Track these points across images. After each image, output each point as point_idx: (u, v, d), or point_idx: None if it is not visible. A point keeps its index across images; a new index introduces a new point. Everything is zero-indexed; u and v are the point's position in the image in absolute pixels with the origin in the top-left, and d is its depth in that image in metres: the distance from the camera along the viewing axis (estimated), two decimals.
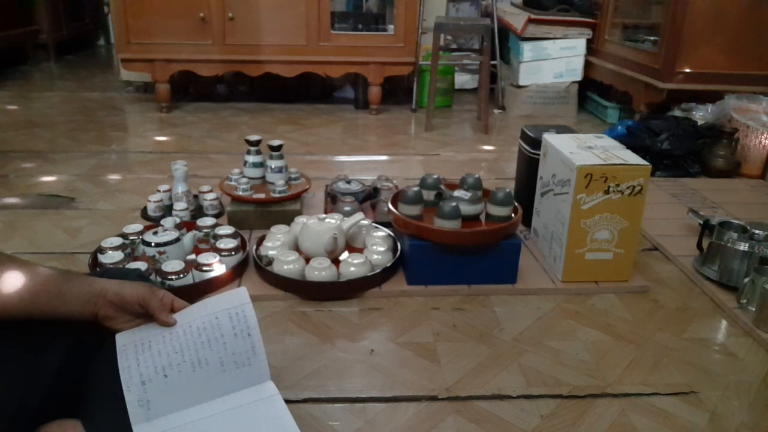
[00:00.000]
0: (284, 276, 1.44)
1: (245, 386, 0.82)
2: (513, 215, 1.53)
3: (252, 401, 0.81)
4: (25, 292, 0.77)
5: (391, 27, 3.30)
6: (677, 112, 2.73)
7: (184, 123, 3.03)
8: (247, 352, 0.82)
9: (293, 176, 1.89)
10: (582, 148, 1.53)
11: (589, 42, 3.34)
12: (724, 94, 2.63)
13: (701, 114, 2.65)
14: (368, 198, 1.85)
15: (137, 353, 0.80)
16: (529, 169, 1.76)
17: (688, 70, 2.68)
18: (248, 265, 1.56)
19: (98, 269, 1.43)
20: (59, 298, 0.79)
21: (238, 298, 0.85)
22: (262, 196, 1.78)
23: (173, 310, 0.85)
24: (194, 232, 1.59)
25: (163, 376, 0.79)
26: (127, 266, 1.40)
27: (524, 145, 1.80)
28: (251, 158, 1.85)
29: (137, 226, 1.58)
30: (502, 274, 1.51)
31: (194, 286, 1.40)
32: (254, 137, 1.86)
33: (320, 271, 1.44)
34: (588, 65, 3.37)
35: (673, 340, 1.34)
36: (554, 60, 3.34)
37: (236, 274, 1.50)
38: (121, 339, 0.83)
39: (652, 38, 3.02)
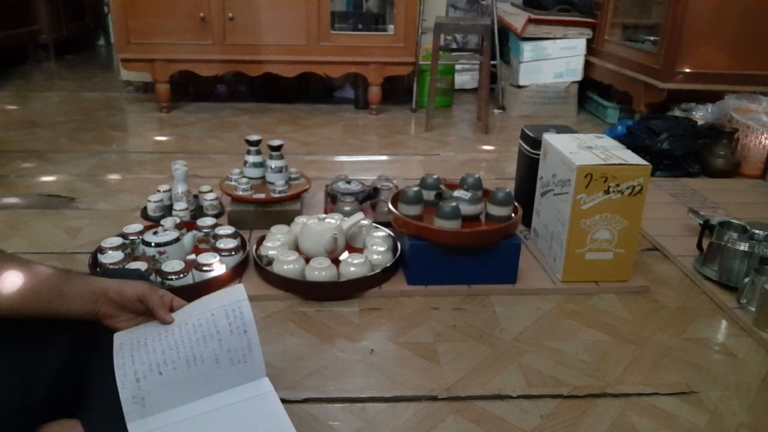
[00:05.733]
0: (284, 276, 1.44)
1: (241, 383, 0.82)
2: (513, 215, 1.53)
3: (247, 398, 0.81)
4: (27, 290, 0.77)
5: (391, 27, 3.30)
6: (677, 112, 2.73)
7: (184, 123, 3.03)
8: (242, 348, 0.82)
9: (293, 176, 1.89)
10: (582, 148, 1.53)
11: (589, 42, 3.34)
12: (724, 94, 2.63)
13: (701, 114, 2.65)
14: (368, 198, 1.85)
15: (132, 351, 0.81)
16: (529, 169, 1.76)
17: (688, 70, 2.68)
18: (248, 265, 1.56)
19: (98, 269, 1.43)
20: (60, 297, 0.79)
21: (235, 295, 0.85)
22: (262, 196, 1.78)
23: (172, 310, 0.86)
24: (194, 232, 1.59)
25: (158, 373, 0.79)
26: (127, 266, 1.40)
27: (524, 145, 1.80)
28: (251, 158, 1.85)
29: (137, 226, 1.58)
30: (502, 274, 1.51)
31: (194, 286, 1.39)
32: (254, 137, 1.86)
33: (320, 271, 1.44)
34: (588, 65, 3.36)
35: (673, 340, 1.34)
36: (554, 60, 3.34)
37: (236, 274, 1.50)
38: (118, 338, 0.83)
39: (652, 38, 3.02)
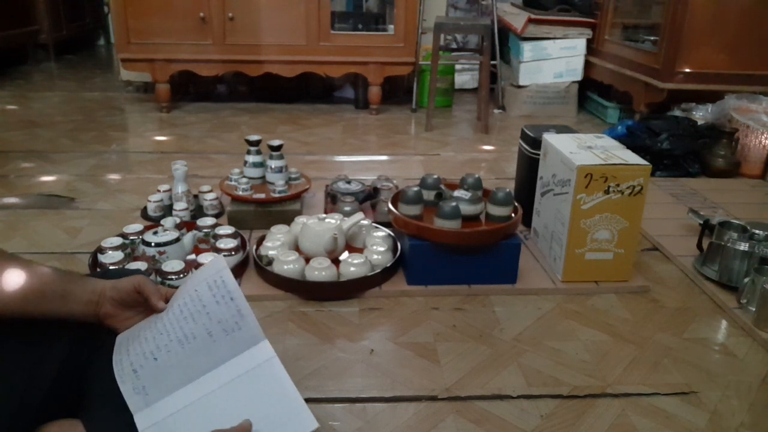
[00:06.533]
0: (284, 276, 1.44)
1: (241, 350, 0.81)
2: (513, 215, 1.53)
3: (249, 369, 0.80)
4: (30, 291, 0.77)
5: (391, 27, 3.30)
6: (677, 112, 2.73)
7: (184, 123, 3.03)
8: (233, 317, 0.80)
9: (293, 176, 1.89)
10: (582, 148, 1.53)
11: (589, 42, 3.34)
12: (724, 94, 2.63)
13: (701, 114, 2.65)
14: (368, 198, 1.85)
15: (128, 345, 0.81)
16: (529, 169, 1.76)
17: (688, 70, 2.68)
18: (248, 265, 1.56)
19: (98, 269, 1.43)
20: (63, 298, 0.80)
21: (215, 267, 0.84)
22: (262, 196, 1.78)
23: (167, 301, 0.86)
24: (194, 232, 1.59)
25: (153, 360, 0.79)
26: (127, 266, 1.40)
27: (524, 145, 1.80)
28: (251, 158, 1.85)
29: (137, 226, 1.58)
30: (502, 274, 1.51)
31: None
32: (254, 137, 1.86)
33: (320, 271, 1.44)
34: (588, 65, 3.36)
35: (673, 340, 1.34)
36: (554, 60, 3.34)
37: (236, 274, 1.50)
38: (119, 338, 0.84)
39: (652, 38, 3.02)
